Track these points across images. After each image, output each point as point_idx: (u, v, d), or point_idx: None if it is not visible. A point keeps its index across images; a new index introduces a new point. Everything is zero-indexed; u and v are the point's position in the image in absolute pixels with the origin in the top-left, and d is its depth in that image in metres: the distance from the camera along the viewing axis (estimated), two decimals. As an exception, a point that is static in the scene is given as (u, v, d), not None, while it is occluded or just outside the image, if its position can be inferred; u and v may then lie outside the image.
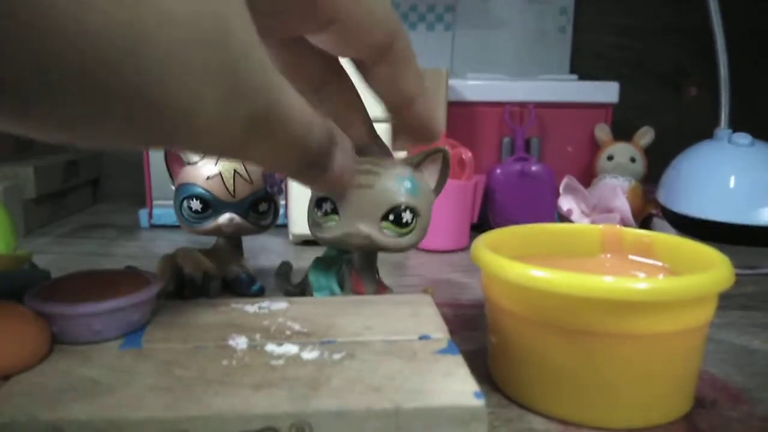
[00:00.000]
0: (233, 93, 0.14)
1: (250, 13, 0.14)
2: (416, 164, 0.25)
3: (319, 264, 0.27)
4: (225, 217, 0.29)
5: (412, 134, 0.25)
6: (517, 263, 0.20)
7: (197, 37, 0.13)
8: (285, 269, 0.32)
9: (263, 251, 0.44)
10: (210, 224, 0.29)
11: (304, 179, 0.21)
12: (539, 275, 0.19)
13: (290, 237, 0.47)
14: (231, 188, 0.29)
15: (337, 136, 0.21)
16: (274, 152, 0.18)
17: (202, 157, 0.29)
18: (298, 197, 0.45)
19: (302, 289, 0.30)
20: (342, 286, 0.27)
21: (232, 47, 0.14)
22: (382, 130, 0.44)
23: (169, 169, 0.30)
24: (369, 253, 0.27)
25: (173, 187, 0.30)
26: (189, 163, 0.30)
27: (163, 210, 0.53)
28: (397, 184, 0.25)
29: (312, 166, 0.20)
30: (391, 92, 0.24)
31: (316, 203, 0.26)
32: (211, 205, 0.29)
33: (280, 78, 0.16)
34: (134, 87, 0.12)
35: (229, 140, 0.15)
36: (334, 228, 0.25)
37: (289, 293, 0.31)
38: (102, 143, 0.14)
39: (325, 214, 0.25)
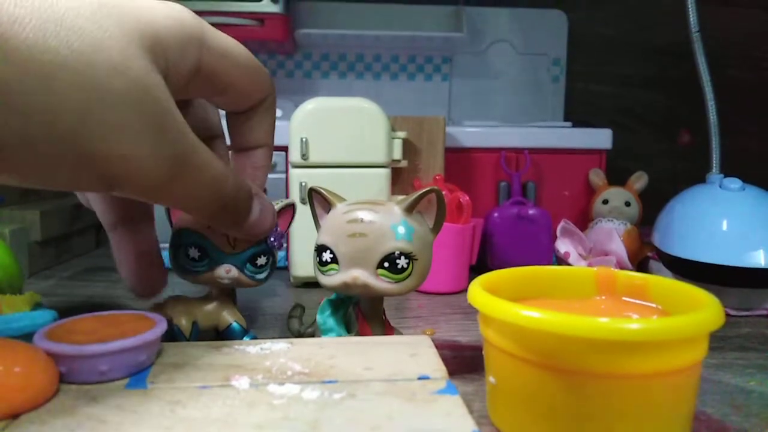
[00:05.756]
0: (160, 142, 0.19)
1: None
2: (410, 207, 0.26)
3: (327, 306, 0.27)
4: (222, 269, 0.28)
5: (248, 174, 0.29)
6: (512, 304, 0.21)
7: (132, 103, 0.18)
8: (297, 312, 0.32)
9: (264, 294, 0.45)
10: (205, 274, 0.28)
11: (221, 222, 0.25)
12: (533, 315, 0.20)
13: (291, 279, 0.47)
14: (232, 240, 0.28)
15: (258, 194, 0.26)
16: (194, 193, 0.22)
17: None
18: (300, 240, 0.46)
19: (313, 332, 0.30)
20: (349, 329, 0.27)
21: (157, 111, 0.19)
22: (381, 175, 0.46)
23: (168, 212, 0.30)
24: (374, 296, 0.27)
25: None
26: None
27: (166, 253, 0.54)
28: (391, 230, 0.25)
29: (229, 210, 0.24)
30: (247, 131, 0.28)
31: (317, 253, 0.26)
32: (209, 255, 0.28)
33: (194, 135, 0.21)
34: (84, 146, 0.18)
35: (157, 180, 0.20)
36: (334, 276, 0.26)
37: (301, 336, 0.31)
38: (57, 187, 0.20)
39: (326, 263, 0.26)
